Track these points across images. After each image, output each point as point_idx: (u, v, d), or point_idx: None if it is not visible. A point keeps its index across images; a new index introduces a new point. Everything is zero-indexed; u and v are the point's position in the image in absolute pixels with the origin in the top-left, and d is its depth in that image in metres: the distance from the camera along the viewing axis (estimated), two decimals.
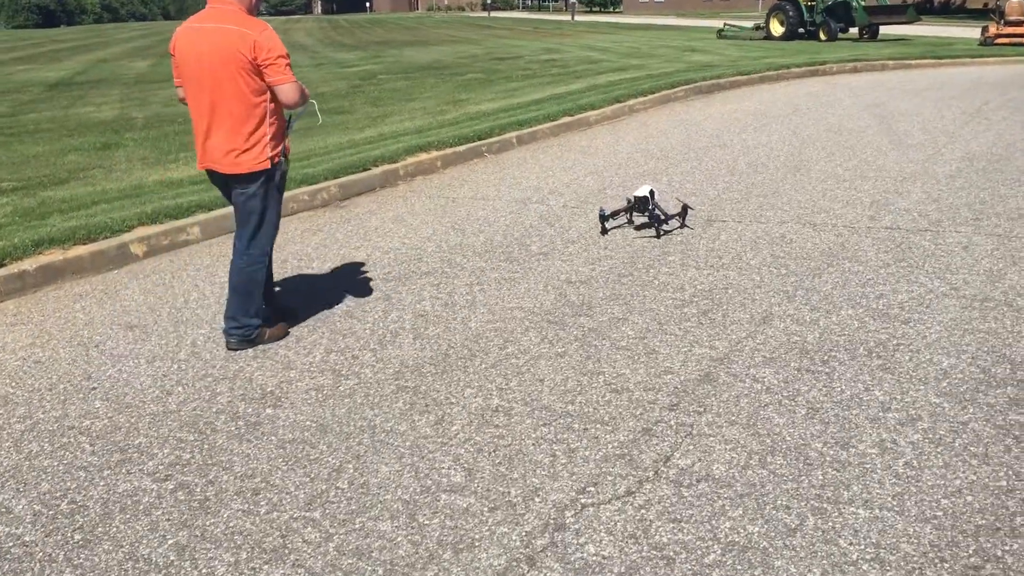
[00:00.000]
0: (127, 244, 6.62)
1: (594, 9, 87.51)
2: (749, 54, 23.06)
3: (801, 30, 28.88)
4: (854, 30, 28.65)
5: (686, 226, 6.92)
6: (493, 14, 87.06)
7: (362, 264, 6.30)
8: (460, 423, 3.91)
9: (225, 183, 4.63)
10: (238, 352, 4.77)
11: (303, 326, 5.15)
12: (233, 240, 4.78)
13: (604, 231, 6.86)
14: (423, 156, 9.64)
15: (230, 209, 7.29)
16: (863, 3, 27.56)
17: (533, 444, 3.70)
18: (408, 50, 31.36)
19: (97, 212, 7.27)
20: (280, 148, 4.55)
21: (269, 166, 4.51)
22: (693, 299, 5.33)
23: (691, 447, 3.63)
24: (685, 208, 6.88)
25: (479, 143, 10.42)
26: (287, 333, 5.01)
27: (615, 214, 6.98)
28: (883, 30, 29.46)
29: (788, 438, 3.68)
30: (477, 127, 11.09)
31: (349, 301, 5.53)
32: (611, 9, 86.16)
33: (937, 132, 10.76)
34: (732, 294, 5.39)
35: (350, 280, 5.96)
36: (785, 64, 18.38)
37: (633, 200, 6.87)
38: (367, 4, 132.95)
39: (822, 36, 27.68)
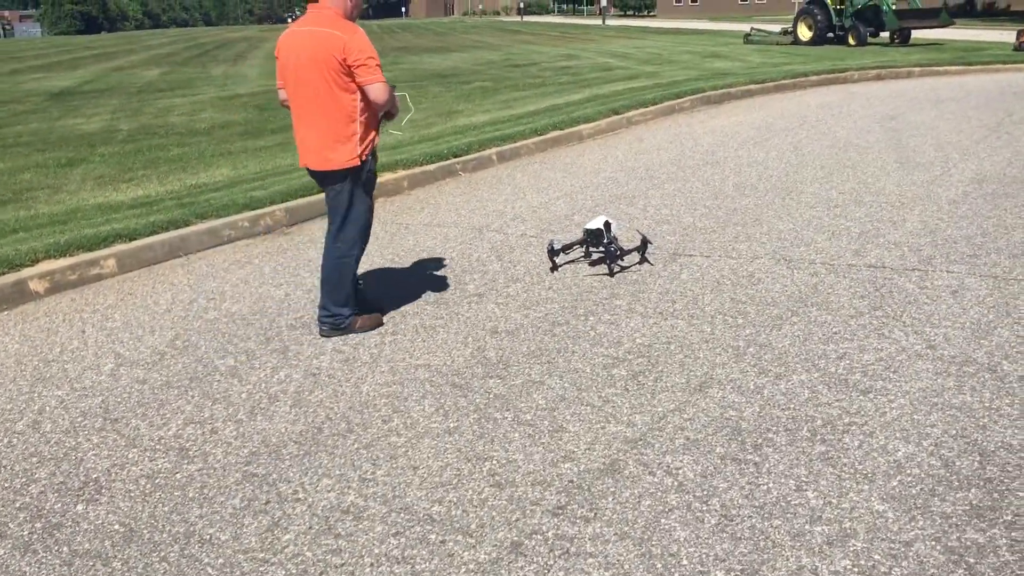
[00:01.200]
0: (25, 280, 6.02)
1: (628, 13, 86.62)
2: (771, 60, 22.21)
3: (830, 35, 27.92)
4: (885, 34, 27.61)
5: (646, 261, 6.19)
6: (526, 19, 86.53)
7: (278, 304, 5.65)
8: (296, 530, 3.23)
9: (320, 180, 4.90)
10: (81, 425, 4.12)
11: (173, 387, 4.50)
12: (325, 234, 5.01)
13: (554, 267, 6.16)
14: (389, 176, 8.99)
15: (153, 239, 6.71)
16: (894, 7, 26.52)
17: (371, 566, 3.01)
18: (428, 56, 30.83)
19: (7, 242, 6.68)
20: (369, 147, 4.78)
21: (358, 163, 4.75)
22: (627, 357, 4.61)
23: (561, 574, 2.91)
24: (644, 242, 6.15)
25: (454, 161, 9.74)
26: (381, 323, 5.24)
27: (568, 248, 6.27)
28: (916, 34, 28.40)
29: (685, 561, 2.95)
30: (456, 143, 10.43)
31: (240, 354, 4.86)
32: (645, 13, 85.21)
33: (950, 148, 9.91)
34: (674, 350, 4.66)
35: (254, 326, 5.31)
36: (803, 72, 17.53)
37: (588, 232, 6.14)
38: (403, 9, 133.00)
39: (851, 41, 26.70)
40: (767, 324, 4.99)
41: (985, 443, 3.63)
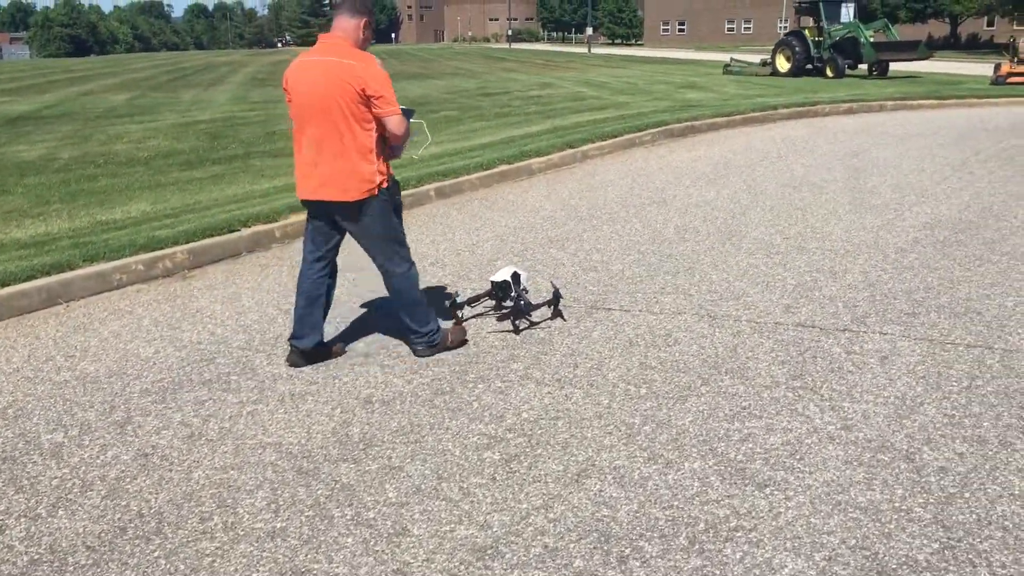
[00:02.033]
0: None
1: (616, 41, 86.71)
2: (746, 91, 21.84)
3: (808, 66, 27.63)
4: (864, 66, 27.32)
5: (559, 316, 5.64)
6: (515, 46, 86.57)
7: (142, 364, 5.09)
8: None
9: (328, 213, 4.71)
10: None
11: None
12: (309, 256, 4.92)
13: (457, 322, 5.59)
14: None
15: (30, 285, 6.16)
16: (872, 39, 26.22)
17: None
18: (405, 83, 30.43)
19: None
20: (386, 176, 4.68)
21: (377, 192, 4.62)
22: (506, 436, 4.06)
23: None
24: (556, 295, 5.60)
25: None
26: (465, 332, 5.34)
27: (474, 301, 5.72)
28: (895, 67, 28.12)
29: None
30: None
31: (73, 427, 4.29)
32: (632, 42, 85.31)
33: (908, 189, 9.42)
34: (560, 428, 4.10)
35: (104, 391, 4.77)
36: (773, 104, 17.11)
37: (495, 284, 5.59)
38: (393, 35, 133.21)
39: (829, 73, 26.42)
40: (672, 396, 4.44)
41: (887, 558, 3.07)
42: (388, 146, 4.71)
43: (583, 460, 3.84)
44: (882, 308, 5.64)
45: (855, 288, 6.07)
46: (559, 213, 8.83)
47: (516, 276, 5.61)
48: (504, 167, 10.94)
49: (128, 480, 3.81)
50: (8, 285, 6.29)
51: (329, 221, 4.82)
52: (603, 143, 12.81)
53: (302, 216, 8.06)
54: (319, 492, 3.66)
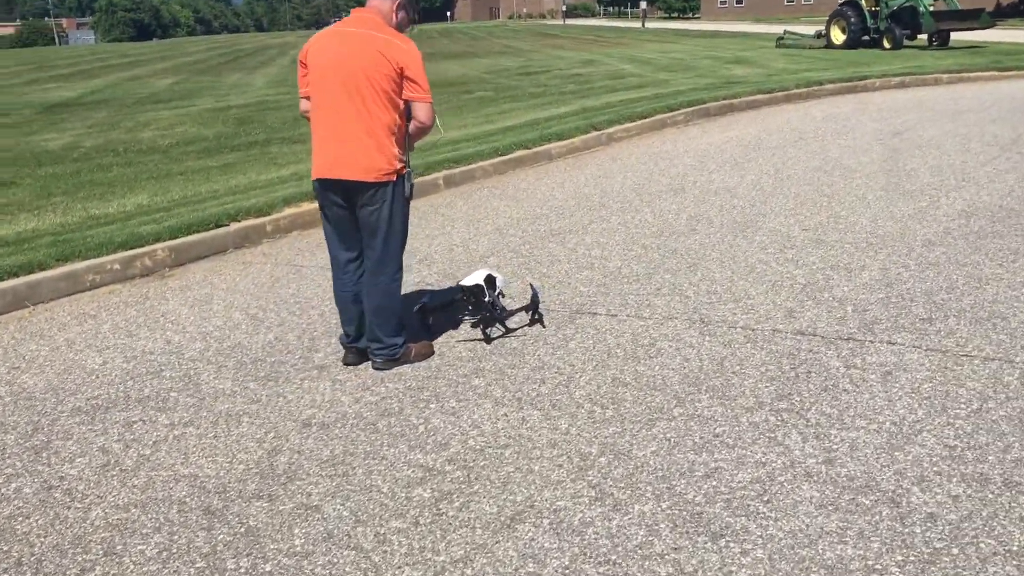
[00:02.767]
0: None
1: (673, 15, 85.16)
2: (795, 66, 20.98)
3: (865, 37, 26.52)
4: (924, 37, 26.14)
5: (538, 322, 5.18)
6: (569, 22, 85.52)
7: (83, 378, 4.79)
8: None
9: (346, 195, 4.42)
10: None
11: None
12: (340, 257, 4.65)
13: (427, 328, 5.16)
14: (306, 206, 8.05)
15: None
16: (931, 8, 25.04)
17: None
18: (447, 63, 30.00)
19: None
20: (405, 162, 4.46)
21: (395, 178, 4.40)
22: (445, 468, 3.63)
23: None
24: (534, 300, 5.14)
25: None
26: (433, 351, 4.89)
27: (446, 306, 5.27)
28: (958, 36, 26.86)
29: None
30: None
31: None
32: (689, 16, 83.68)
33: (948, 172, 8.73)
34: (506, 459, 3.66)
35: (33, 410, 4.51)
36: (819, 80, 16.31)
37: (466, 290, 5.14)
38: (448, 13, 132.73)
39: (886, 44, 25.33)
40: (639, 419, 3.96)
41: None
42: (411, 135, 4.52)
43: (522, 500, 3.39)
44: (896, 312, 5.07)
45: (870, 288, 5.50)
46: (569, 202, 8.34)
47: (491, 280, 5.16)
48: (521, 152, 10.46)
49: (20, 519, 3.46)
50: None
51: (350, 207, 4.49)
52: (631, 125, 12.24)
53: (298, 209, 7.73)
54: (220, 537, 3.26)
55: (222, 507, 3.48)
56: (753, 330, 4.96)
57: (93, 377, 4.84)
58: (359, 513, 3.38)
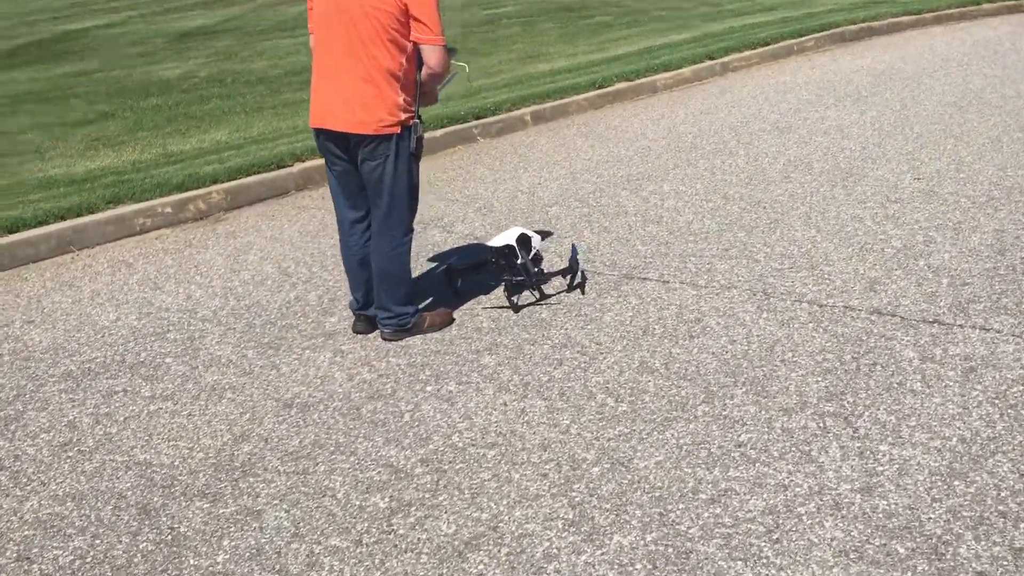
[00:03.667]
0: None
1: None
2: None
3: None
4: None
5: (577, 287, 4.61)
6: None
7: (91, 336, 4.63)
8: None
9: (346, 147, 3.97)
10: None
11: None
12: (345, 216, 4.21)
13: (456, 292, 4.68)
14: None
15: (38, 232, 5.73)
16: None
17: None
18: None
19: None
20: (414, 112, 3.96)
21: (399, 131, 3.91)
22: (415, 470, 3.18)
23: None
24: (572, 264, 4.57)
25: (473, 123, 8.27)
26: (453, 319, 4.39)
27: (476, 268, 4.77)
28: None
29: None
30: (493, 99, 8.90)
31: None
32: None
33: None
34: (488, 462, 3.18)
35: (26, 371, 4.34)
36: None
37: (495, 251, 4.61)
38: None
39: None
40: (655, 418, 3.39)
41: None
42: (421, 84, 4.02)
43: (487, 519, 2.89)
44: (1001, 289, 4.25)
45: (977, 255, 4.66)
46: (659, 143, 7.61)
47: (524, 239, 4.61)
48: (622, 85, 9.70)
49: None
50: (16, 231, 5.85)
51: (352, 160, 4.05)
52: (751, 53, 11.24)
53: None
54: (142, 546, 2.90)
55: (160, 506, 3.12)
56: (821, 306, 4.24)
57: (99, 336, 4.58)
58: (301, 524, 2.95)
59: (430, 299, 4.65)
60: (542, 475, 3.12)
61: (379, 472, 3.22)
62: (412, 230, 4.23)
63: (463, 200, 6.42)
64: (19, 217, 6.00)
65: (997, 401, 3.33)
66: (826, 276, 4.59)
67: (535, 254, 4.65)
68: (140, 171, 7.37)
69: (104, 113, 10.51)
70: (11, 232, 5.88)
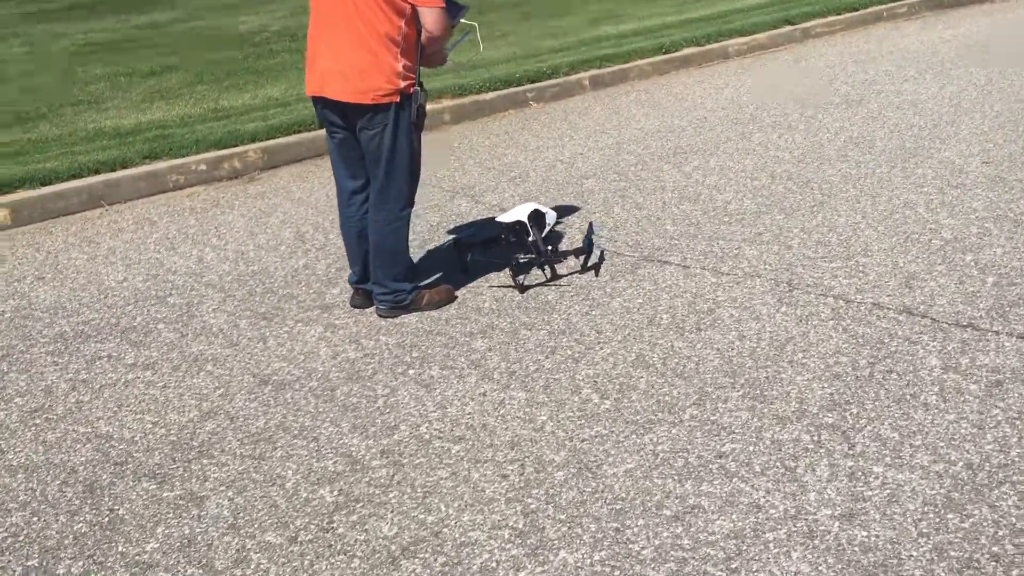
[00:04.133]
0: None
1: None
2: None
3: None
4: None
5: (592, 269, 4.37)
6: None
7: (98, 294, 4.62)
8: None
9: (343, 115, 3.81)
10: None
11: None
12: (345, 186, 4.05)
13: (464, 268, 4.49)
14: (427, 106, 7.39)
15: (69, 186, 5.69)
16: None
17: None
18: None
19: None
20: (413, 80, 3.76)
21: (398, 99, 3.72)
22: (372, 462, 3.02)
23: None
24: (587, 244, 4.32)
25: (527, 87, 8.02)
26: (455, 297, 4.20)
27: (488, 244, 4.56)
28: None
29: None
30: (550, 62, 8.61)
31: None
32: None
33: None
34: (450, 458, 3.01)
35: (22, 330, 4.30)
36: None
37: (505, 227, 4.40)
38: None
39: None
40: (638, 419, 3.15)
41: None
42: (423, 48, 3.81)
43: (432, 523, 2.70)
44: None
45: None
46: (716, 113, 7.24)
47: (537, 216, 4.37)
48: (691, 50, 9.30)
49: None
50: (49, 184, 5.85)
51: (351, 129, 3.89)
52: (836, 18, 10.66)
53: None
54: (77, 527, 2.81)
55: (107, 484, 3.02)
56: (848, 302, 3.91)
57: (102, 297, 4.54)
58: (240, 514, 2.81)
59: (437, 275, 4.45)
60: (502, 476, 2.91)
61: (335, 462, 3.05)
62: (412, 204, 4.03)
63: (499, 168, 6.19)
64: (53, 170, 6.00)
65: (1018, 422, 2.99)
66: (860, 268, 4.24)
67: (549, 231, 4.40)
68: (185, 126, 7.32)
69: (170, 66, 10.53)
70: (44, 185, 5.88)
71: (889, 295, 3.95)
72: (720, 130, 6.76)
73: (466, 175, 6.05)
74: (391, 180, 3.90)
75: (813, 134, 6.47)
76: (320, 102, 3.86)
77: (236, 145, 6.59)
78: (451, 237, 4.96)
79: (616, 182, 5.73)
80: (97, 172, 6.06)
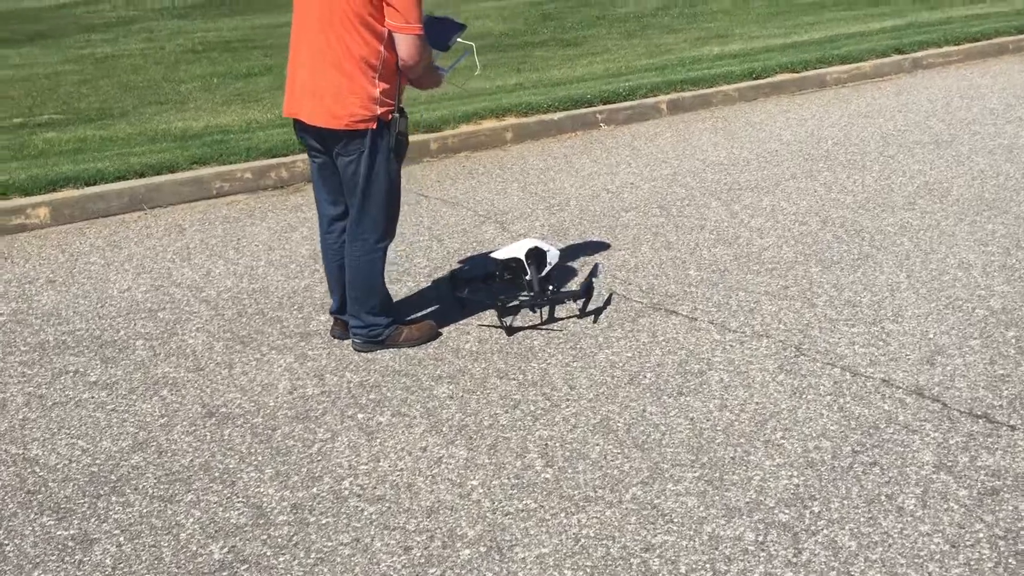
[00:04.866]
0: None
1: None
2: None
3: None
4: None
5: (591, 315, 4.09)
6: None
7: (97, 302, 4.59)
8: None
9: (320, 138, 3.67)
10: None
11: None
12: (325, 212, 3.90)
13: (461, 303, 4.28)
14: (489, 123, 7.27)
15: (111, 187, 5.76)
16: None
17: None
18: None
19: None
20: (392, 106, 3.60)
21: (375, 126, 3.55)
22: (277, 519, 2.86)
23: None
24: (587, 287, 4.04)
25: (598, 108, 7.74)
26: (438, 334, 4.00)
27: (484, 281, 4.33)
28: None
29: None
30: (631, 83, 8.31)
31: None
32: None
33: None
34: (359, 521, 2.83)
35: (8, 338, 4.25)
36: None
37: (500, 264, 4.16)
38: None
39: None
40: (573, 495, 2.89)
41: None
42: (406, 73, 3.65)
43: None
44: None
45: None
46: (789, 147, 6.80)
47: (537, 253, 4.11)
48: (785, 76, 8.82)
49: None
50: (92, 185, 5.91)
51: (328, 153, 3.73)
52: (953, 49, 9.96)
53: (480, 125, 6.99)
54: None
55: (9, 515, 2.95)
56: (855, 375, 3.50)
57: (98, 306, 4.51)
58: (121, 565, 2.69)
59: (431, 309, 4.24)
60: (405, 549, 2.67)
61: (241, 513, 2.87)
62: (390, 236, 3.84)
63: (541, 194, 5.93)
64: (101, 170, 6.06)
65: (1001, 542, 2.56)
66: (884, 336, 3.81)
67: (549, 270, 4.13)
68: (248, 131, 7.33)
69: (267, 68, 10.65)
70: (88, 185, 5.94)
71: (904, 371, 3.53)
72: (787, 166, 6.32)
73: (505, 199, 5.82)
74: (366, 210, 3.71)
75: (886, 177, 5.97)
76: (298, 125, 3.70)
77: (286, 155, 6.51)
78: (460, 266, 4.75)
79: (656, 217, 5.40)
80: (142, 175, 6.08)
